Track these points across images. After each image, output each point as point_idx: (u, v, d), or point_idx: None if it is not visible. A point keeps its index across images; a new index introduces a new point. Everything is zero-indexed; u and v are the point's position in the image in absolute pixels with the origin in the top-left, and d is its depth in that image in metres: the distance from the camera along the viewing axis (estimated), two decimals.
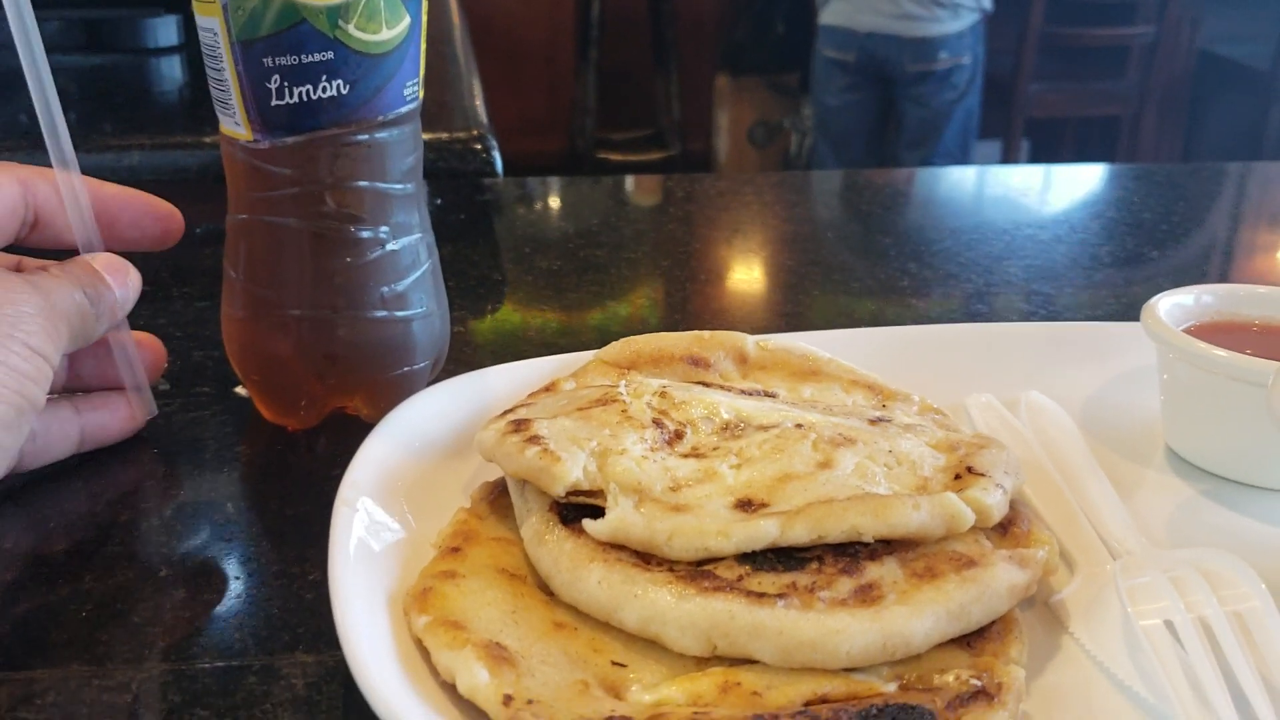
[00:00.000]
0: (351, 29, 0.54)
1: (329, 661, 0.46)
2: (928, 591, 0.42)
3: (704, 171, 4.41)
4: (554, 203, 1.12)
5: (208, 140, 0.95)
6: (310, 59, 0.54)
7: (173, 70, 1.39)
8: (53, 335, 0.49)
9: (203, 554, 0.53)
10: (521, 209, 1.10)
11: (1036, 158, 4.17)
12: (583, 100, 4.36)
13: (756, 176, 2.10)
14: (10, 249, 0.56)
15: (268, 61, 0.54)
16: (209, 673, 0.45)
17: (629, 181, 1.28)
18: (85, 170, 0.56)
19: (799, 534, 0.43)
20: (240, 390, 0.66)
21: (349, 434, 0.60)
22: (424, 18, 0.58)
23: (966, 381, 0.63)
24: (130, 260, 0.57)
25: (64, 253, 0.58)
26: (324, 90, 0.55)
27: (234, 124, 0.57)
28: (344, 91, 0.56)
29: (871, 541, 0.44)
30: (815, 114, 3.39)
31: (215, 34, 0.55)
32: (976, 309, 0.83)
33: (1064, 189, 1.22)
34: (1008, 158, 3.83)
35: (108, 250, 0.57)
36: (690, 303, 0.87)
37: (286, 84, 0.55)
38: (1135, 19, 3.69)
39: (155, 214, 0.58)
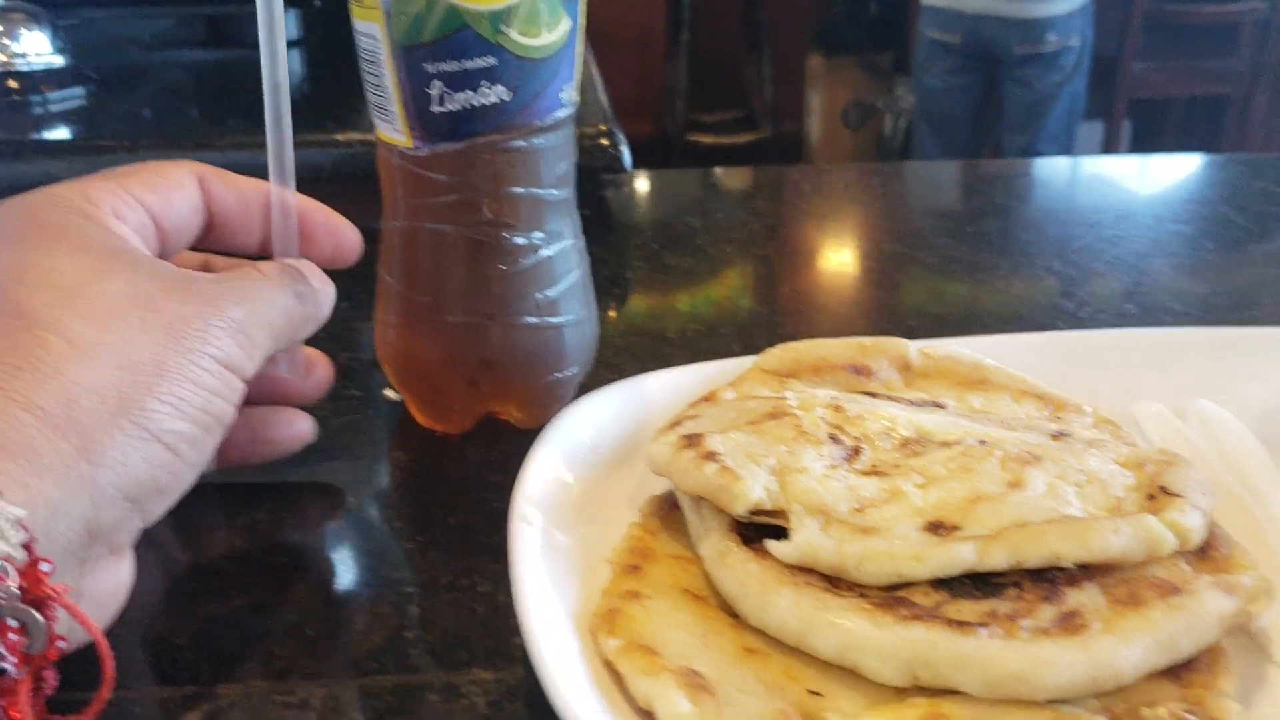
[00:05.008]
0: (513, 33, 0.54)
1: (508, 680, 0.45)
2: (1134, 620, 0.40)
3: (795, 154, 4.37)
4: (677, 198, 1.11)
5: (339, 138, 0.96)
6: (472, 64, 0.54)
7: (292, 65, 1.40)
8: (248, 346, 0.47)
9: (371, 566, 0.53)
10: (645, 204, 1.09)
11: (1139, 139, 4.06)
12: (674, 83, 4.35)
13: (882, 167, 2.07)
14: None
15: (429, 68, 0.54)
16: (390, 689, 0.45)
17: (751, 175, 1.26)
18: (223, 168, 0.55)
19: (997, 560, 0.42)
20: (389, 393, 0.66)
21: (501, 439, 0.60)
22: (581, 20, 0.57)
23: (1131, 389, 0.61)
24: None
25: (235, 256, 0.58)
26: (485, 96, 0.55)
27: (393, 130, 0.57)
28: (504, 97, 0.55)
29: (1071, 566, 0.42)
30: (917, 96, 3.34)
31: (376, 39, 0.55)
32: (1126, 309, 0.80)
33: (1203, 180, 1.17)
34: (1109, 139, 3.73)
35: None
36: (834, 301, 0.86)
37: (448, 90, 0.54)
38: None
39: (330, 228, 0.56)
